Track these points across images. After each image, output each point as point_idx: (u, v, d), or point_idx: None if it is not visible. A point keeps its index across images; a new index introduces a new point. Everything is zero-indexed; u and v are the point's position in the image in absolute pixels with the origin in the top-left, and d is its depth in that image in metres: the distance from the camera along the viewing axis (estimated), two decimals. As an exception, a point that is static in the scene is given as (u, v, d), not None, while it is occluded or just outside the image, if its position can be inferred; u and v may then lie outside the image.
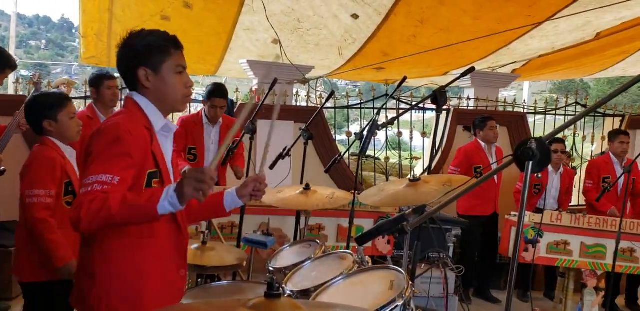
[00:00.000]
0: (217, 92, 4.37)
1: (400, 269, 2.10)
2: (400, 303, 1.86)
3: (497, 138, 5.28)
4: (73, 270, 2.52)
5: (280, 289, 1.36)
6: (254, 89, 5.83)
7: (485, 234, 5.24)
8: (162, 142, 1.92)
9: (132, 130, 1.76)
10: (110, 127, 1.77)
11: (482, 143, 5.24)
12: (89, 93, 4.55)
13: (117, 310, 1.81)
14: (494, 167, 4.88)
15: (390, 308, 1.84)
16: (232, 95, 5.56)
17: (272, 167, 3.71)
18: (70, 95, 5.96)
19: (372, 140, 3.05)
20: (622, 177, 4.83)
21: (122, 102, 2.00)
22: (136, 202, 1.61)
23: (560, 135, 5.63)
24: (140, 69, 1.83)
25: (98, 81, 3.99)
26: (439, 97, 2.74)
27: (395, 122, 5.75)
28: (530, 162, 1.59)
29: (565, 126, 1.90)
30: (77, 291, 1.88)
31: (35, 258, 2.65)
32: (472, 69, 2.97)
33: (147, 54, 1.82)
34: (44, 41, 45.98)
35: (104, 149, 1.72)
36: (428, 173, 2.68)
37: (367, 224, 4.16)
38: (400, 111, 5.56)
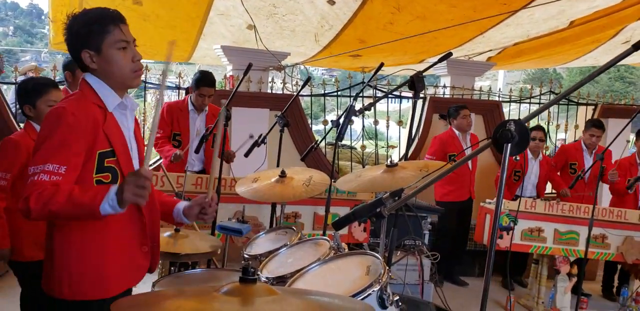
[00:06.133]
0: (205, 80, 4.34)
1: (376, 254, 2.08)
2: (376, 288, 1.84)
3: (470, 126, 5.32)
4: (5, 257, 2.67)
5: (256, 274, 1.33)
6: (228, 76, 5.74)
7: (459, 219, 5.29)
8: (120, 120, 1.90)
9: (78, 111, 1.74)
10: (52, 112, 1.75)
11: (457, 132, 5.29)
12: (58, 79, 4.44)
13: (80, 287, 1.81)
14: (468, 152, 4.90)
15: (366, 293, 1.82)
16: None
17: (247, 154, 3.65)
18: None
19: (349, 128, 3.02)
20: (593, 164, 4.93)
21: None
22: (80, 200, 1.60)
23: (534, 124, 5.70)
24: (83, 52, 1.81)
25: (75, 65, 3.90)
26: (416, 82, 2.71)
27: (372, 110, 5.73)
28: (509, 144, 1.58)
29: (541, 110, 1.87)
30: (44, 272, 1.89)
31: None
32: (449, 54, 2.95)
33: (86, 36, 1.80)
34: (11, 27, 44.77)
35: (48, 135, 1.71)
36: (405, 159, 2.65)
37: (344, 212, 4.14)
38: (377, 98, 5.53)
